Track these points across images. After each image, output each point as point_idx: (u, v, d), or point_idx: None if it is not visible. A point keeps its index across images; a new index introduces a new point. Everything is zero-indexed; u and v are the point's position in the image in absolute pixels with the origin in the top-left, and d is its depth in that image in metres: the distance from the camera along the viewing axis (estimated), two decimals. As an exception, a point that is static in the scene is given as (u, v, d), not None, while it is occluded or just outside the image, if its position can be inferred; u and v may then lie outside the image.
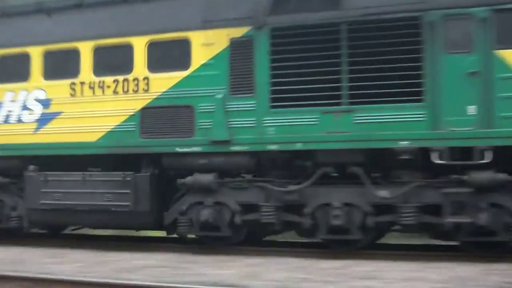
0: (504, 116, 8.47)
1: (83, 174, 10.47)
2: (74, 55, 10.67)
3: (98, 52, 10.55)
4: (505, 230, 8.60)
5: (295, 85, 9.34)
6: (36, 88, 10.92)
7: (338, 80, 9.13)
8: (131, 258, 9.51)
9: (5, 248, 10.82)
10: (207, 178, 9.83)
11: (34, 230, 12.49)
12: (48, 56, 10.90)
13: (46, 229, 12.71)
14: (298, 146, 9.35)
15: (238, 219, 9.75)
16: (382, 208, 9.14)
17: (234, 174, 9.92)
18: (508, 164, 8.58)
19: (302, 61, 9.32)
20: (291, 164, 9.63)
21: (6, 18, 11.49)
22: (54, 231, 12.79)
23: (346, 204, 9.22)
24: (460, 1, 8.75)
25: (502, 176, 8.51)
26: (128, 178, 10.14)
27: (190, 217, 10.01)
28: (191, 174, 9.95)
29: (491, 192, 8.61)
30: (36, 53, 10.95)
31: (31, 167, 10.81)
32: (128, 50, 10.32)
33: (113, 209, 10.22)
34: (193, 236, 10.49)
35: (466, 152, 8.64)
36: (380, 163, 9.20)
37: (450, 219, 8.64)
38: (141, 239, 11.83)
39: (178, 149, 9.90)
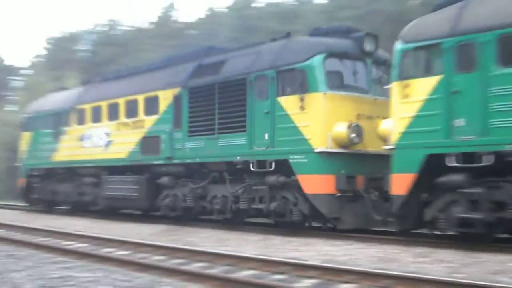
0: (280, 140, 13.16)
1: (120, 176, 17.79)
2: (118, 106, 18.10)
3: (126, 104, 17.78)
4: (290, 213, 13.19)
5: (197, 122, 15.22)
6: (104, 126, 18.67)
7: (212, 119, 14.75)
8: (505, 260, 9.21)
9: (379, 247, 11.09)
10: (166, 179, 16.25)
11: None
12: (109, 107, 18.54)
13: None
14: (197, 160, 15.21)
15: (182, 204, 15.95)
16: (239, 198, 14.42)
17: (183, 177, 16.08)
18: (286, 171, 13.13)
19: (200, 107, 15.16)
20: (202, 171, 15.48)
21: (93, 84, 19.68)
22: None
23: (223, 196, 14.74)
24: (261, 66, 13.64)
25: (282, 178, 13.16)
26: (136, 179, 17.15)
27: (167, 203, 16.52)
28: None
29: (281, 189, 13.30)
30: (104, 105, 18.73)
31: (104, 172, 18.57)
32: (136, 103, 17.33)
33: (131, 197, 17.32)
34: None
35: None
36: (236, 171, 14.45)
37: (254, 206, 13.66)
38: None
39: (154, 162, 16.55)
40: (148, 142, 16.82)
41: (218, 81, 14.73)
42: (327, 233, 12.70)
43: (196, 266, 9.92)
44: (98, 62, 43.85)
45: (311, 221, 13.37)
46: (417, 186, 10.80)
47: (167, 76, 16.61)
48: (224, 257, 10.34)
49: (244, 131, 13.95)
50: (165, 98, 16.31)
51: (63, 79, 38.98)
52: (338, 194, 12.44)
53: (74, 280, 7.95)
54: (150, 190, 16.96)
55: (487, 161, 9.88)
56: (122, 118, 17.93)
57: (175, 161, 15.92)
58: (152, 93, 16.78)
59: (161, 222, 16.57)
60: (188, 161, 15.52)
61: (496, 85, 9.79)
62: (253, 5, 40.06)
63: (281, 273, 9.05)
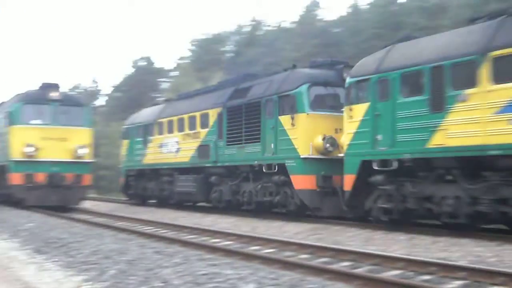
0: (280, 149, 17.29)
1: (185, 176, 22.66)
2: (184, 120, 22.99)
3: (189, 119, 22.61)
4: (289, 204, 17.27)
5: (232, 134, 19.70)
6: (175, 136, 23.65)
7: (241, 132, 19.15)
8: None
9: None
10: (214, 178, 20.86)
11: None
12: (178, 121, 23.47)
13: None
14: (232, 163, 19.68)
15: (225, 198, 20.48)
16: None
17: (225, 177, 20.60)
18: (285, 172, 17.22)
19: (234, 123, 19.63)
20: (236, 171, 19.91)
21: (170, 102, 24.85)
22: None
23: (249, 191, 19.09)
24: (270, 92, 17.83)
25: (283, 177, 17.27)
26: (194, 178, 21.93)
27: (215, 196, 21.13)
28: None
29: (282, 186, 17.41)
30: (175, 119, 23.70)
31: (175, 172, 23.54)
32: (195, 118, 22.12)
33: (192, 192, 22.13)
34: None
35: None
36: (256, 172, 18.72)
37: (265, 198, 17.86)
38: None
39: (205, 164, 21.23)
40: (203, 149, 21.56)
41: (244, 103, 19.14)
42: (476, 233, 12.38)
43: (342, 265, 10.04)
44: (241, 63, 43.92)
45: (305, 211, 17.36)
46: (361, 184, 14.55)
47: (215, 97, 21.26)
48: (370, 256, 10.38)
49: (259, 141, 18.24)
50: (213, 115, 20.96)
51: (209, 80, 41.04)
52: (318, 190, 16.39)
53: (221, 277, 8.03)
54: (204, 187, 21.69)
55: (394, 166, 13.49)
56: (186, 130, 22.82)
57: (219, 164, 20.53)
58: (205, 111, 21.50)
59: (307, 221, 16.60)
60: (227, 164, 20.07)
61: (400, 110, 13.39)
62: (397, 1, 39.40)
63: (428, 273, 8.99)
